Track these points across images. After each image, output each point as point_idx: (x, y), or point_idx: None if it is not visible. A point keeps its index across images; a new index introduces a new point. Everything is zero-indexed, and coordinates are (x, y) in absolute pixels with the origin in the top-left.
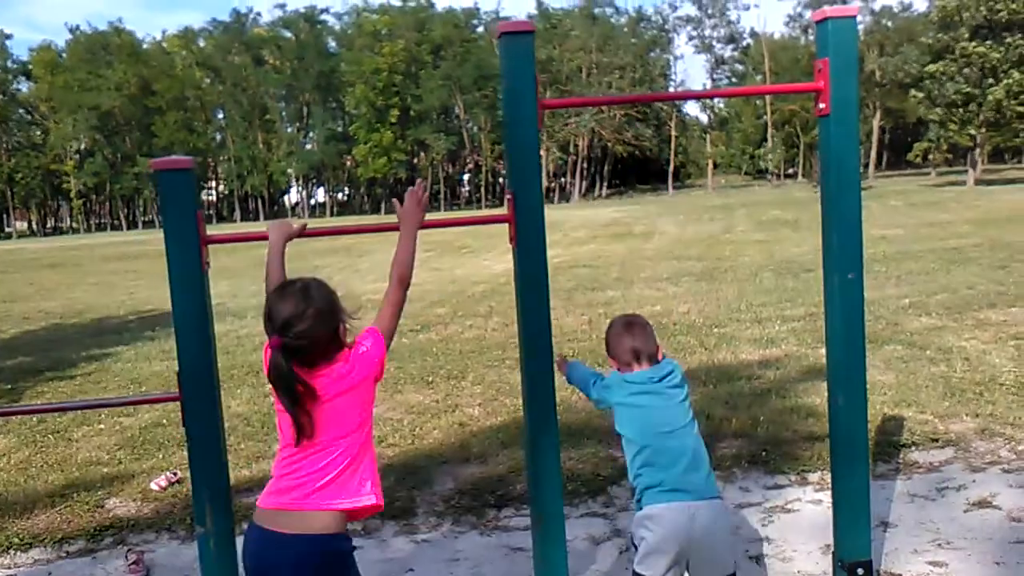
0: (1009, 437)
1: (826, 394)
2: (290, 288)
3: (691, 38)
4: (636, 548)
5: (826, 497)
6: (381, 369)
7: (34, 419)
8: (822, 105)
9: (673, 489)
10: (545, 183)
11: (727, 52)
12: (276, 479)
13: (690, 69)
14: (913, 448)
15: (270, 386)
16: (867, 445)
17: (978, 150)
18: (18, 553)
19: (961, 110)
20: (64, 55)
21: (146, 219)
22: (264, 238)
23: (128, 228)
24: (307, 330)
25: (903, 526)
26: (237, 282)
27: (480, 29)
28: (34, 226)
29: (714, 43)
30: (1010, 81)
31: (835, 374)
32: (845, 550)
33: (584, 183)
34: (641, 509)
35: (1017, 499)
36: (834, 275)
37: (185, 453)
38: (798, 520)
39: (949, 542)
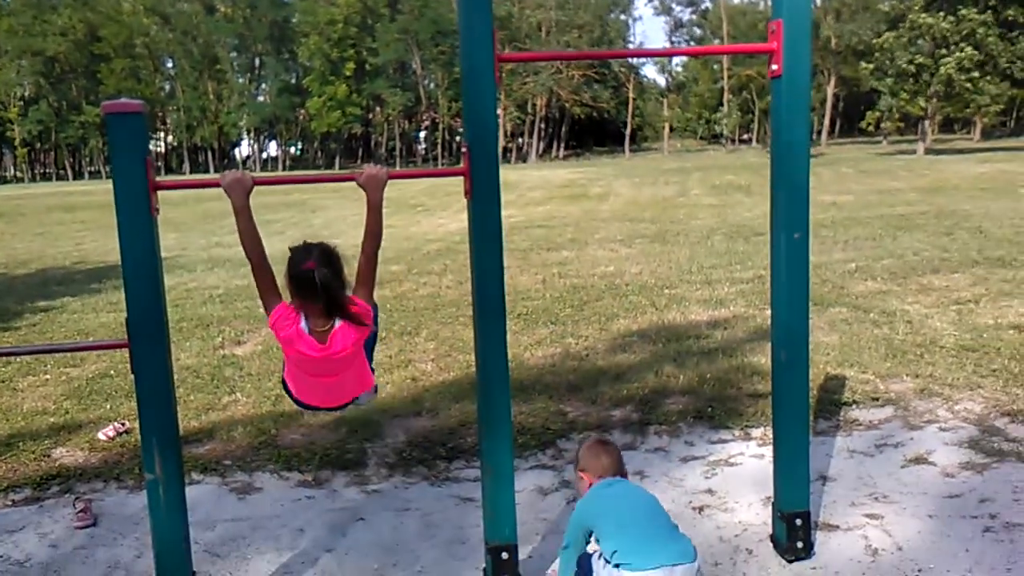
0: (947, 397)
1: (771, 353)
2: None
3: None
4: None
5: (768, 452)
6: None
7: None
8: (775, 67)
9: None
10: (502, 143)
11: (686, 15)
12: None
13: (649, 31)
14: (854, 406)
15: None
16: (807, 399)
17: (928, 121)
18: None
19: (911, 80)
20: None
21: (92, 169)
22: (214, 185)
23: (74, 178)
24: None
25: (842, 480)
26: (186, 235)
27: None
28: None
29: (673, 5)
30: (961, 55)
31: (779, 331)
32: (784, 501)
33: (541, 144)
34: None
35: (952, 456)
36: (781, 234)
37: (133, 404)
38: (740, 473)
39: (885, 496)
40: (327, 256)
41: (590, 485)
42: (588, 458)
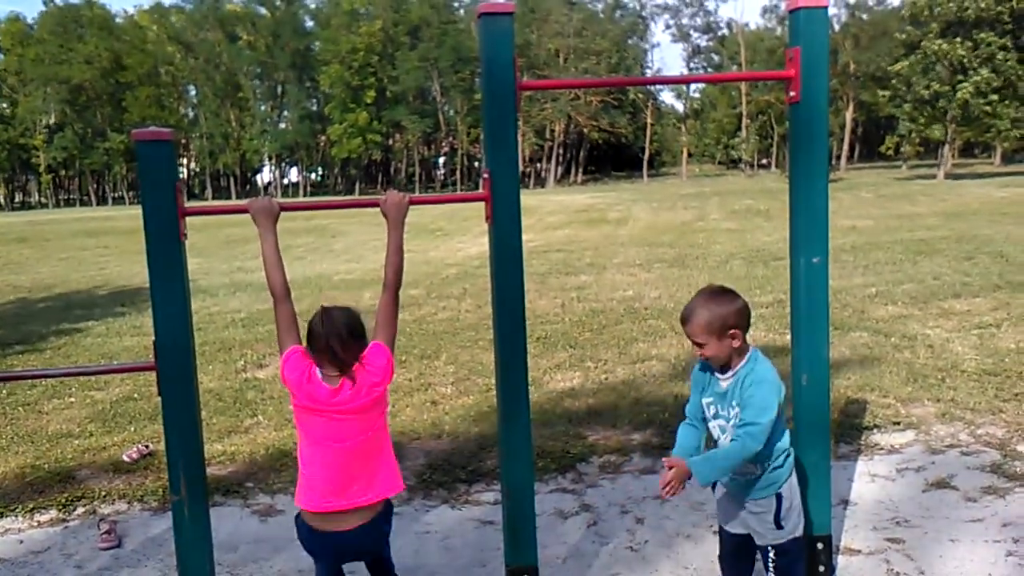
0: (968, 421)
1: (791, 376)
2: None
3: (668, 26)
4: (797, 515)
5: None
6: (389, 376)
7: (4, 391)
8: (792, 93)
9: None
10: (521, 168)
11: (703, 41)
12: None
13: (667, 57)
14: (876, 431)
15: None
16: (828, 422)
17: (948, 145)
18: None
19: (929, 108)
20: (34, 28)
21: (116, 195)
22: (240, 211)
23: (98, 204)
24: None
25: (863, 504)
26: (208, 261)
27: (460, 12)
28: (1, 200)
29: (691, 32)
30: (978, 79)
31: (799, 355)
32: (806, 525)
33: (559, 169)
34: (787, 480)
35: (974, 480)
36: (800, 258)
37: (156, 427)
38: None
39: (907, 520)
40: (347, 326)
41: (744, 346)
42: (742, 317)
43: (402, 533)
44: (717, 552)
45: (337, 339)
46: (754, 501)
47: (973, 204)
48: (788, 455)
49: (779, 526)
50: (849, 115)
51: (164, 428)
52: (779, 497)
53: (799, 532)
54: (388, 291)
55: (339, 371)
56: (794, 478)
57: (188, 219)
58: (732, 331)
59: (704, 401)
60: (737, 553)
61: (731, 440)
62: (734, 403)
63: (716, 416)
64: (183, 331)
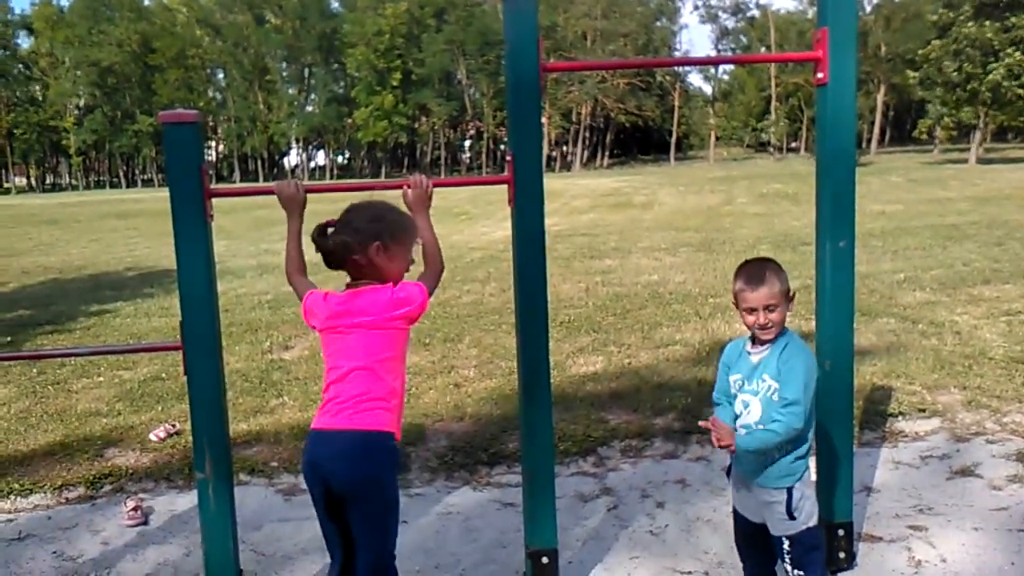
0: (995, 409)
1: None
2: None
3: (696, 7)
4: (811, 505)
5: (812, 462)
6: (414, 311)
7: (34, 370)
8: (820, 74)
9: None
10: (547, 151)
11: (732, 23)
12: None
13: (695, 39)
14: (900, 418)
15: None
16: (852, 409)
17: (980, 129)
18: (18, 499)
19: (959, 90)
20: (65, 10)
21: (145, 177)
22: (266, 193)
23: (127, 186)
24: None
25: (886, 492)
26: (235, 243)
27: None
28: (33, 182)
29: (720, 13)
30: (1010, 61)
31: (824, 340)
32: (827, 511)
33: (586, 152)
34: (803, 474)
35: (999, 469)
36: (826, 243)
37: (183, 406)
38: None
39: (930, 508)
40: (368, 216)
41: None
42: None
43: (424, 514)
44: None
45: (353, 231)
46: (766, 490)
47: (1005, 189)
48: (810, 447)
49: (791, 516)
50: (880, 98)
51: (190, 408)
52: (790, 491)
53: (813, 522)
54: (430, 267)
55: (354, 272)
56: (809, 472)
57: (215, 201)
58: (790, 295)
59: (732, 378)
60: (753, 539)
61: (773, 421)
62: (765, 375)
63: (742, 390)
64: (209, 312)
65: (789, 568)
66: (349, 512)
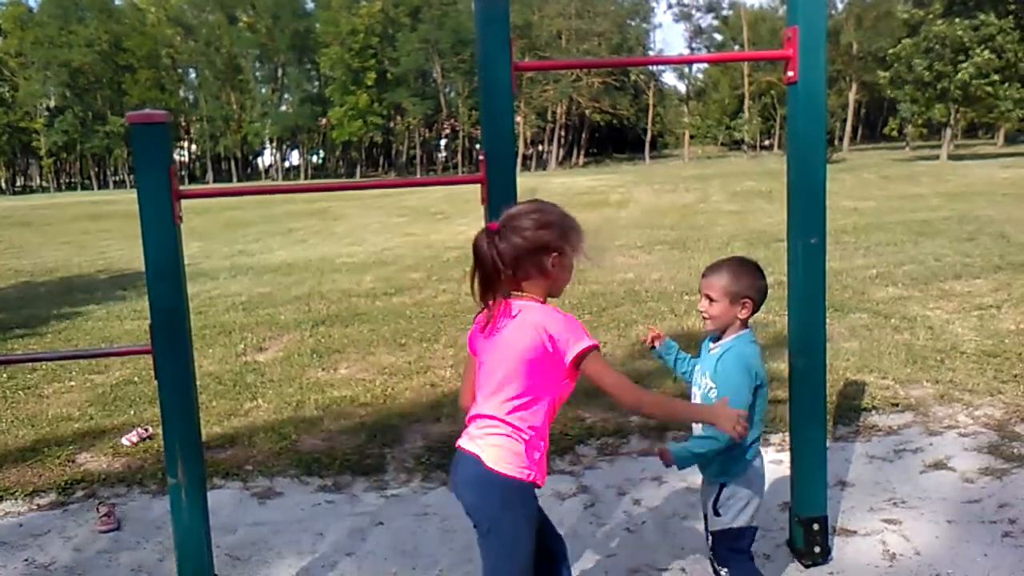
0: (967, 403)
1: (788, 357)
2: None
3: (670, 6)
4: (742, 506)
5: (787, 457)
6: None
7: (4, 375)
8: (790, 73)
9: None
10: (522, 150)
11: (706, 21)
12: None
13: (668, 38)
14: (874, 412)
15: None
16: (825, 404)
17: (951, 126)
18: None
19: (929, 88)
20: (35, 10)
21: (117, 179)
22: (236, 194)
23: (99, 187)
24: (524, 228)
25: (860, 486)
26: (209, 244)
27: None
28: (2, 184)
29: (693, 12)
30: (979, 59)
31: (795, 337)
32: (801, 506)
33: (561, 151)
34: (748, 466)
35: (971, 462)
36: (798, 240)
37: (156, 410)
38: None
39: (904, 501)
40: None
41: (744, 324)
42: (759, 294)
43: (401, 515)
44: None
45: (504, 243)
46: (705, 483)
47: (976, 185)
48: (752, 451)
49: (716, 513)
50: (852, 96)
51: (161, 412)
52: (722, 487)
53: (740, 523)
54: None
55: (488, 289)
56: (752, 475)
57: (189, 203)
58: (744, 300)
59: (697, 366)
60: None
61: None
62: (707, 373)
63: (694, 381)
64: (179, 315)
65: (713, 563)
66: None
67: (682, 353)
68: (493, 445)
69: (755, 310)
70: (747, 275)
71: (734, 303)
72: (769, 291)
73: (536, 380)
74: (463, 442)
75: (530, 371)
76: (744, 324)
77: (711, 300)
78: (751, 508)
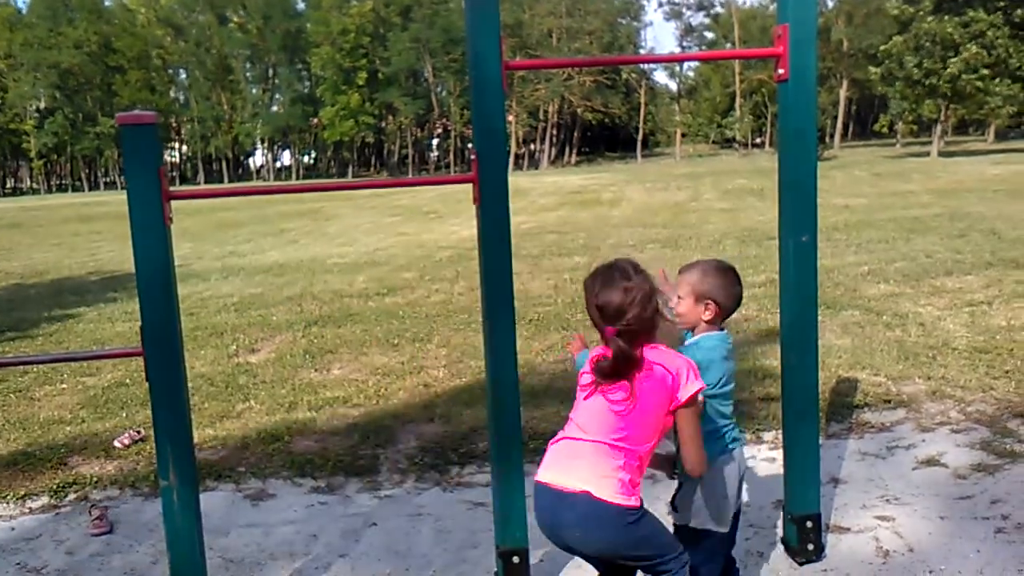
0: (959, 399)
1: (780, 355)
2: (610, 273)
3: (661, 4)
4: (693, 512)
5: (779, 455)
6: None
7: None
8: (781, 71)
9: None
10: (514, 150)
11: (697, 19)
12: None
13: (660, 36)
14: (866, 409)
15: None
16: (817, 402)
17: (941, 123)
18: None
19: (919, 85)
20: (25, 11)
21: (107, 180)
22: (227, 195)
23: (89, 189)
24: (636, 315)
25: (853, 483)
26: (200, 245)
27: None
28: None
29: (684, 10)
30: (967, 54)
31: (787, 334)
32: (795, 504)
33: (553, 150)
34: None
35: (963, 458)
36: (789, 238)
37: (148, 412)
38: (751, 476)
39: (897, 498)
40: (639, 309)
41: (716, 321)
42: (728, 300)
43: (395, 515)
44: None
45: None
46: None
47: (966, 181)
48: (724, 453)
49: (673, 507)
50: (843, 93)
51: (152, 414)
52: (681, 484)
53: (696, 524)
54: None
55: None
56: (717, 475)
57: (180, 204)
58: (708, 302)
59: None
60: None
61: None
62: None
63: None
64: (169, 316)
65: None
66: None
67: None
68: None
69: (723, 315)
70: (716, 277)
71: (698, 303)
72: (760, 289)
73: None
74: None
75: None
76: (714, 327)
77: (680, 297)
78: (715, 513)
